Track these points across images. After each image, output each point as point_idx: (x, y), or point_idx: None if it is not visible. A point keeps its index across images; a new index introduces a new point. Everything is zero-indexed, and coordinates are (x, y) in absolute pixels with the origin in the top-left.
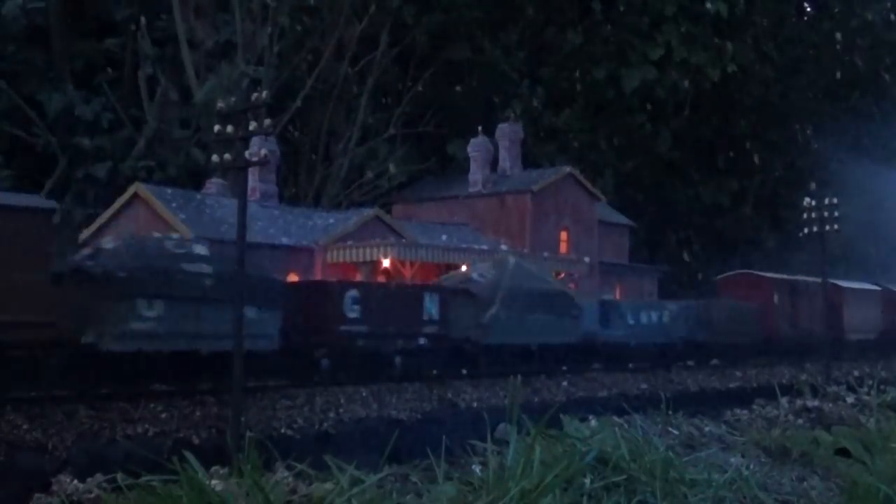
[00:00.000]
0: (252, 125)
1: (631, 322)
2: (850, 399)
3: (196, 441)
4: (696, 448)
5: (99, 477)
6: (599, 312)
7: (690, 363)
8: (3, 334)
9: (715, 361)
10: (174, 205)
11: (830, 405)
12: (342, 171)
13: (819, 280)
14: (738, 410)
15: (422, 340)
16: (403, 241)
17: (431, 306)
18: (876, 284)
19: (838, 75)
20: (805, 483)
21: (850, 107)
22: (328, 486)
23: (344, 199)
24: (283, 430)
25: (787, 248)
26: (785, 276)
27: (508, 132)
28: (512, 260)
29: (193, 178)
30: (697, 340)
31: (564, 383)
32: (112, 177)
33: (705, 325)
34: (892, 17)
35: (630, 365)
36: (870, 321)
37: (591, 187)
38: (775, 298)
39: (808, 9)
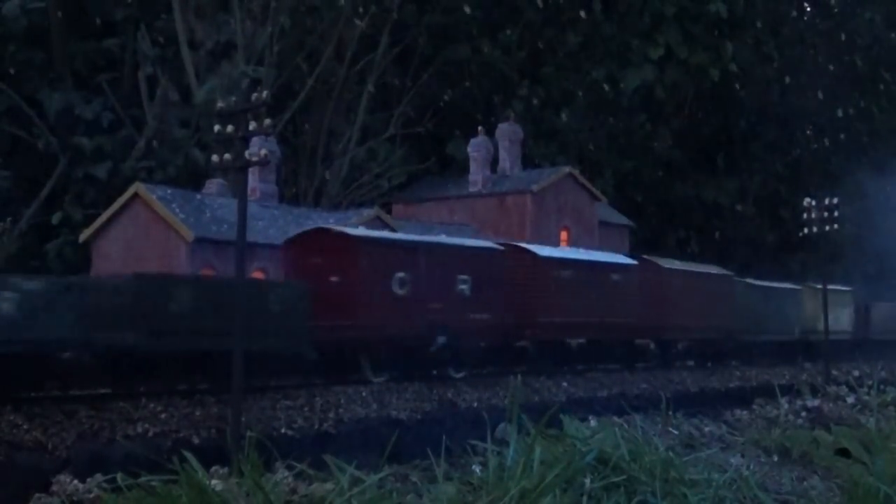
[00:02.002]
0: (252, 125)
1: None
2: (850, 399)
3: (196, 441)
4: (696, 448)
5: (99, 477)
6: None
7: None
8: None
9: None
10: (174, 205)
11: (830, 405)
12: (342, 171)
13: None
14: (738, 410)
15: None
16: None
17: None
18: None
19: (838, 75)
20: (805, 483)
21: (849, 107)
22: (328, 486)
23: (344, 199)
24: (282, 430)
25: (787, 248)
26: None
27: (508, 132)
28: None
29: (193, 178)
30: None
31: (564, 383)
32: (112, 177)
33: None
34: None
35: None
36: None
37: (591, 187)
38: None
39: (808, 9)
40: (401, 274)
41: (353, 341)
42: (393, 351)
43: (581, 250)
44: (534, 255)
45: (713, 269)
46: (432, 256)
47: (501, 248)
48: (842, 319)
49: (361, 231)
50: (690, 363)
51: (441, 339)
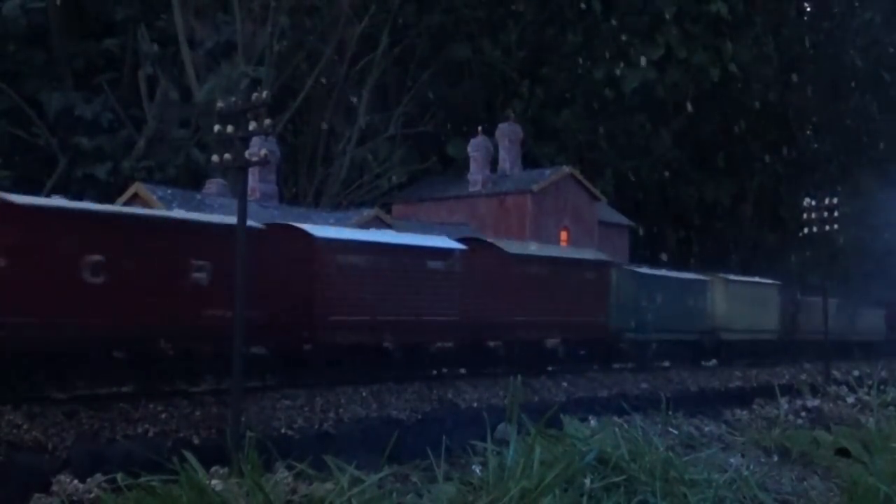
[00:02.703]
0: (252, 125)
1: None
2: (851, 399)
3: (196, 441)
4: (696, 448)
5: (99, 477)
6: None
7: None
8: None
9: None
10: (174, 205)
11: (830, 405)
12: (342, 171)
13: None
14: (738, 410)
15: None
16: None
17: None
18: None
19: (838, 75)
20: (805, 483)
21: (850, 107)
22: (328, 486)
23: (344, 199)
24: (282, 430)
25: (787, 248)
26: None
27: (508, 132)
28: None
29: (193, 178)
30: None
31: (564, 383)
32: (112, 177)
33: None
34: (893, 16)
35: None
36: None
37: (592, 187)
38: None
39: (808, 9)
40: (96, 257)
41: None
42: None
43: (389, 232)
44: (307, 234)
45: (585, 254)
46: (150, 235)
47: (261, 227)
48: (763, 318)
49: (35, 200)
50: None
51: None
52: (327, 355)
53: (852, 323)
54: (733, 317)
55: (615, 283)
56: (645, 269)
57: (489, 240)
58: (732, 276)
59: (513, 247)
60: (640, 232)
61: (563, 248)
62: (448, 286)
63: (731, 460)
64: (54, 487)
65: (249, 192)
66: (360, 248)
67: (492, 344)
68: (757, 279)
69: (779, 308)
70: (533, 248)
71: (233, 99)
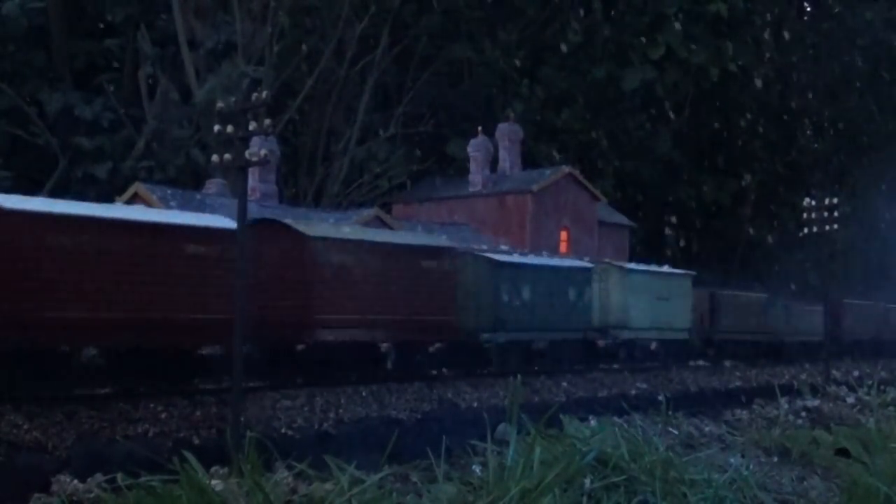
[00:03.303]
0: (252, 125)
1: None
2: (851, 399)
3: (196, 441)
4: (696, 448)
5: (99, 477)
6: None
7: None
8: None
9: None
10: (174, 204)
11: (830, 405)
12: (342, 171)
13: None
14: (738, 410)
15: None
16: None
17: None
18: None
19: (838, 75)
20: (805, 483)
21: (850, 107)
22: (328, 486)
23: (344, 199)
24: (282, 430)
25: (787, 248)
26: None
27: (508, 132)
28: None
29: (193, 178)
30: None
31: (564, 383)
32: (112, 177)
33: None
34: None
35: None
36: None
37: (592, 187)
38: None
39: (808, 9)
40: None
41: None
42: None
43: (136, 207)
44: None
45: (424, 240)
46: None
47: None
48: (673, 315)
49: None
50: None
51: None
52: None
53: (787, 321)
54: (631, 313)
55: (466, 275)
56: (504, 257)
57: (286, 221)
58: (632, 265)
59: (319, 229)
60: (640, 232)
61: (399, 233)
62: (214, 276)
63: (731, 460)
64: (54, 487)
65: (249, 192)
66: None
67: (299, 347)
68: (666, 268)
69: (690, 304)
70: (347, 231)
71: (233, 99)
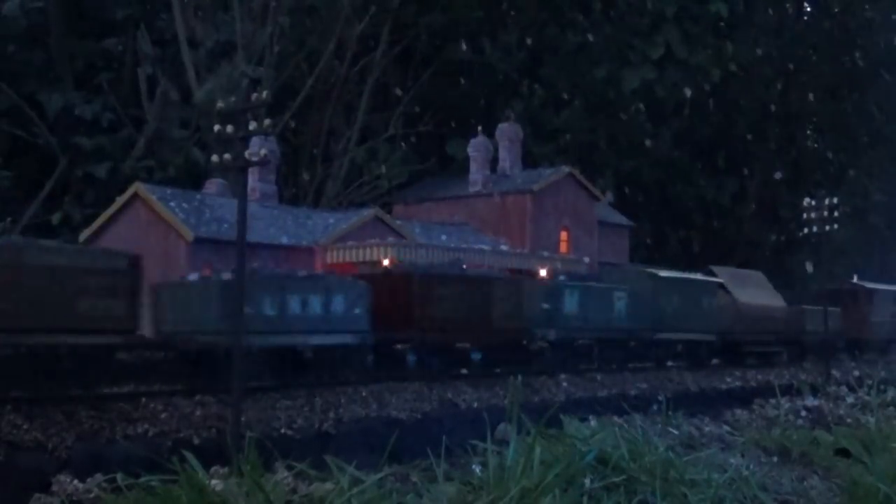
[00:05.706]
0: (252, 125)
1: None
2: (850, 399)
3: (196, 441)
4: (696, 448)
5: (99, 477)
6: None
7: None
8: None
9: None
10: (174, 204)
11: (830, 405)
12: (342, 171)
13: None
14: (738, 410)
15: None
16: (403, 241)
17: None
18: None
19: (838, 75)
20: (805, 483)
21: (850, 107)
22: (328, 486)
23: (344, 199)
24: (282, 430)
25: (787, 248)
26: None
27: (508, 132)
28: None
29: (193, 178)
30: None
31: (564, 383)
32: (112, 177)
33: None
34: (893, 16)
35: None
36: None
37: (592, 187)
38: None
39: (808, 9)
40: None
41: None
42: None
43: None
44: None
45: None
46: None
47: None
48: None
49: None
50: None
51: None
52: None
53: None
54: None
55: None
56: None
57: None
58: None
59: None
60: (640, 232)
61: None
62: None
63: (731, 460)
64: (54, 487)
65: (249, 192)
66: None
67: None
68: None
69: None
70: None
71: (233, 99)
